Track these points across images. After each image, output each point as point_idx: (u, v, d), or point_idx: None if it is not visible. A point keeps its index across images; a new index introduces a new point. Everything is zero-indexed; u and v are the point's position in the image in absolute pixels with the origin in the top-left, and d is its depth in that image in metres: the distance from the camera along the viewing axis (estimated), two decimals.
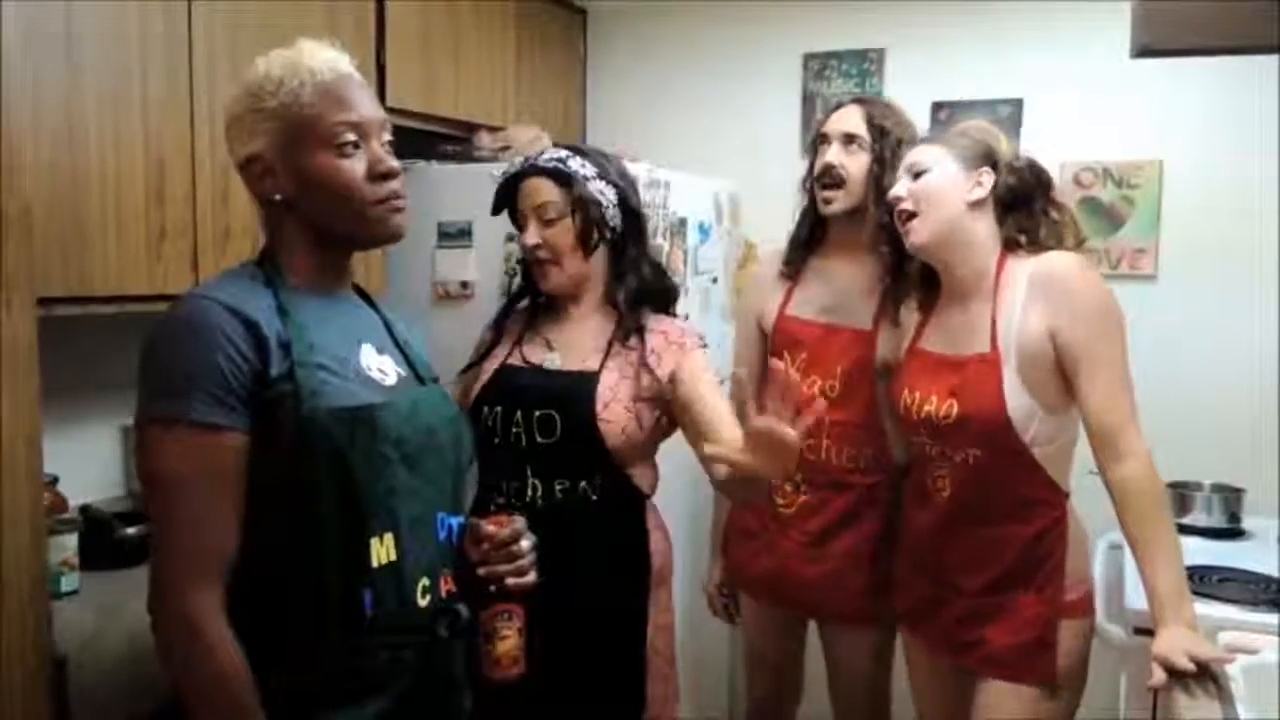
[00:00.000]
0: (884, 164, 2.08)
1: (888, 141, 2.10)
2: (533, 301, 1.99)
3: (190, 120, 1.93)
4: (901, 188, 1.89)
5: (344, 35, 1.61)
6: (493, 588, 1.47)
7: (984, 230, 1.87)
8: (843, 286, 2.20)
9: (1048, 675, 1.83)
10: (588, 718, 1.83)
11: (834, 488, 2.15)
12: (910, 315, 2.05)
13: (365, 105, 1.35)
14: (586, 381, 1.83)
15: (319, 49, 1.36)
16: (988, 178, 1.85)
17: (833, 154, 2.14)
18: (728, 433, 1.64)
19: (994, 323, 1.82)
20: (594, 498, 1.83)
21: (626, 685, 1.86)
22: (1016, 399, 1.78)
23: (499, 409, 1.86)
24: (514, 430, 1.84)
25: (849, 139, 2.14)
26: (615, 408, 1.82)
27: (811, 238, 2.26)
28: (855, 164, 2.12)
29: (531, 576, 1.50)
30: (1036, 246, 1.85)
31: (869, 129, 2.13)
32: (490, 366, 1.94)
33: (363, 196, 1.33)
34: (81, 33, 1.74)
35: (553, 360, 1.89)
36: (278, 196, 1.33)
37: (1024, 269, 1.82)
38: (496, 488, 1.81)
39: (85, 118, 1.75)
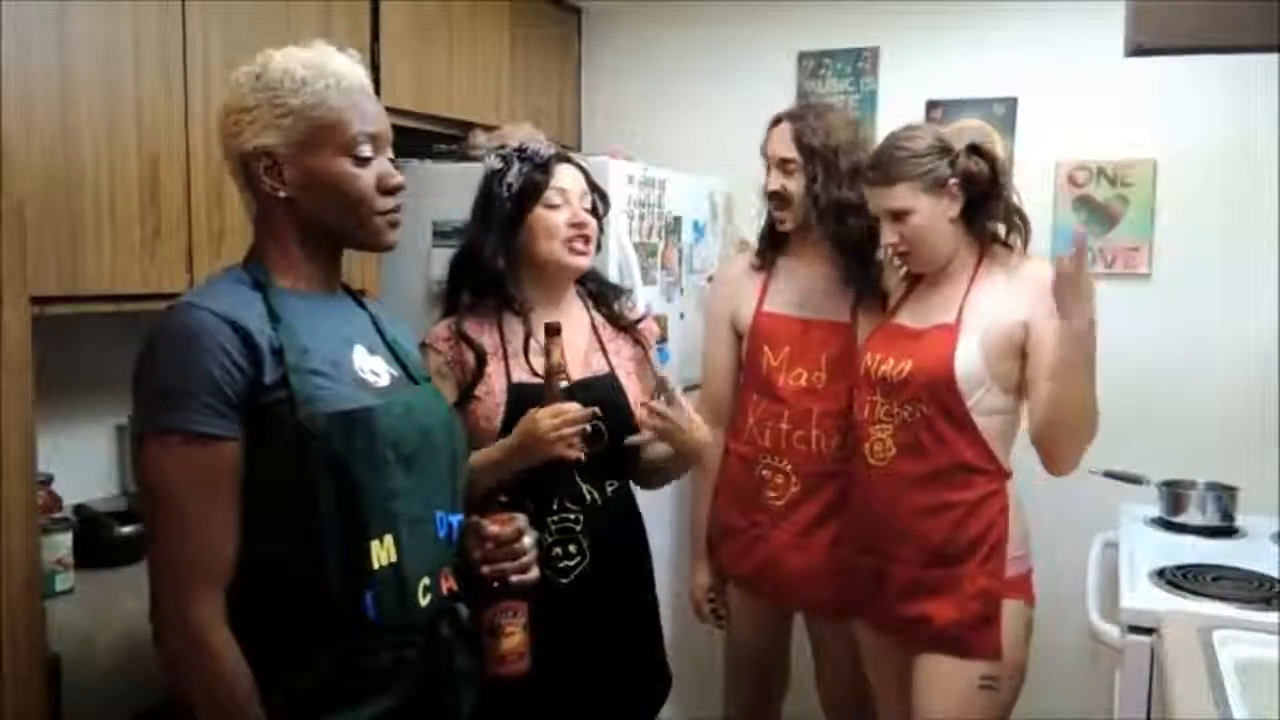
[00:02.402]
0: (817, 180, 2.16)
1: (817, 160, 2.17)
2: (502, 306, 1.88)
3: (185, 119, 1.92)
4: (891, 233, 1.99)
5: (338, 34, 1.60)
6: (496, 584, 1.48)
7: (962, 227, 1.99)
8: (812, 285, 2.27)
9: (993, 653, 1.90)
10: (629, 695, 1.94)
11: (824, 477, 2.20)
12: (897, 291, 2.15)
13: (381, 118, 1.38)
14: (614, 386, 1.89)
15: (339, 54, 1.37)
16: (956, 187, 1.95)
17: (774, 180, 2.23)
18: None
19: (964, 301, 1.98)
20: (632, 488, 1.97)
21: (658, 653, 2.01)
22: (967, 363, 1.93)
23: None
24: None
25: (784, 163, 2.21)
26: (640, 407, 1.87)
27: (774, 240, 2.34)
28: (794, 185, 2.21)
29: (534, 573, 1.51)
30: (1000, 241, 2.03)
31: (799, 150, 2.19)
32: (496, 388, 1.83)
33: (371, 207, 1.36)
34: (75, 31, 1.73)
35: None
36: (282, 193, 1.33)
37: (1004, 266, 2.00)
38: (552, 499, 1.82)
39: (79, 116, 1.74)
